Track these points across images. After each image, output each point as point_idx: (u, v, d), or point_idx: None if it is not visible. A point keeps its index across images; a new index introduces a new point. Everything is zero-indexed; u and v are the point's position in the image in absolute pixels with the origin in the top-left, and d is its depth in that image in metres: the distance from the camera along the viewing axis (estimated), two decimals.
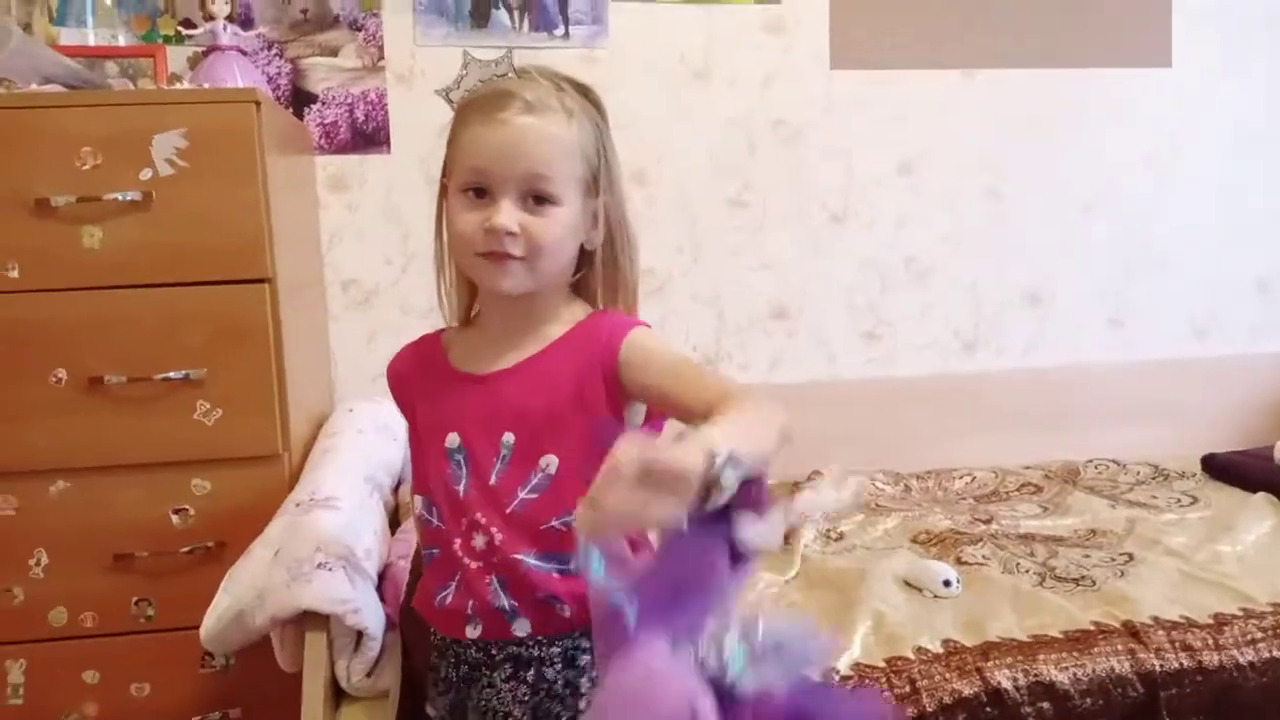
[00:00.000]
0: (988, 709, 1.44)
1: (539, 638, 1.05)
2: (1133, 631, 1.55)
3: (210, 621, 1.43)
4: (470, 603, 1.05)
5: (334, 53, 2.20)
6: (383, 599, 1.51)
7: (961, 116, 2.48)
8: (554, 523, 1.02)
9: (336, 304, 2.27)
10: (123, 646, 1.70)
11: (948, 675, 1.46)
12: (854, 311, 2.50)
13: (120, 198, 1.59)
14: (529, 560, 1.03)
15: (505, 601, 1.04)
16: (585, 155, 1.04)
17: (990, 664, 1.48)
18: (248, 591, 1.41)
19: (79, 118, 1.59)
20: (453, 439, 1.06)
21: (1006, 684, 1.46)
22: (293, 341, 1.76)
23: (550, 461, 1.02)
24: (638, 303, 1.13)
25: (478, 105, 1.03)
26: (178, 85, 1.77)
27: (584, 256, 1.09)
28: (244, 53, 2.01)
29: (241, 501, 1.69)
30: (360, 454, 1.80)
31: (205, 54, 1.98)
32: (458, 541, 1.04)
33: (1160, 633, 1.54)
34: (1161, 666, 1.50)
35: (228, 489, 1.70)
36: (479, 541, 1.04)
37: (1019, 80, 2.48)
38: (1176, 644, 1.53)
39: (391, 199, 2.26)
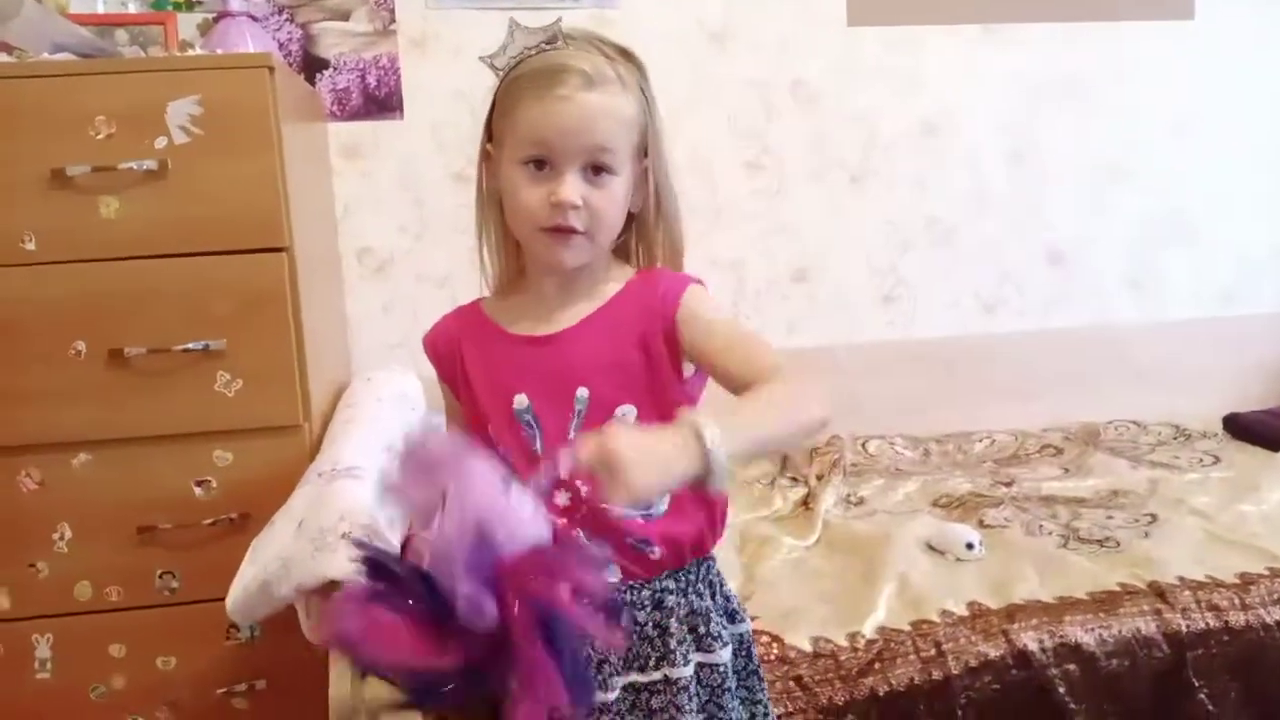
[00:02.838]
0: (1014, 671, 1.45)
1: (629, 584, 1.08)
2: (1158, 592, 1.55)
3: (236, 592, 1.43)
4: None
5: (345, 17, 2.17)
6: None
7: (981, 73, 2.45)
8: None
9: (352, 273, 2.26)
10: (148, 619, 1.71)
11: (973, 638, 1.47)
12: (874, 274, 2.48)
13: (136, 167, 1.57)
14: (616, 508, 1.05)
15: (596, 551, 1.06)
16: (638, 124, 1.07)
17: (1016, 626, 1.48)
18: (273, 562, 1.41)
19: (92, 86, 1.57)
20: (520, 400, 1.08)
21: (1032, 646, 1.46)
22: (311, 311, 1.75)
23: (628, 411, 1.05)
24: (684, 260, 1.15)
25: (534, 79, 1.03)
26: (189, 52, 1.75)
27: (628, 219, 1.11)
28: (254, 18, 1.99)
29: (263, 472, 1.68)
30: (380, 423, 1.79)
31: (215, 20, 1.96)
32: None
33: (1186, 593, 1.54)
34: (1188, 627, 1.50)
35: (249, 460, 1.69)
36: (561, 498, 1.05)
37: (1038, 35, 2.45)
38: (1203, 604, 1.52)
39: (405, 166, 2.24)
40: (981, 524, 1.84)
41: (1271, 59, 2.56)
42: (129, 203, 1.60)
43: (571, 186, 1.02)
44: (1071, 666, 1.46)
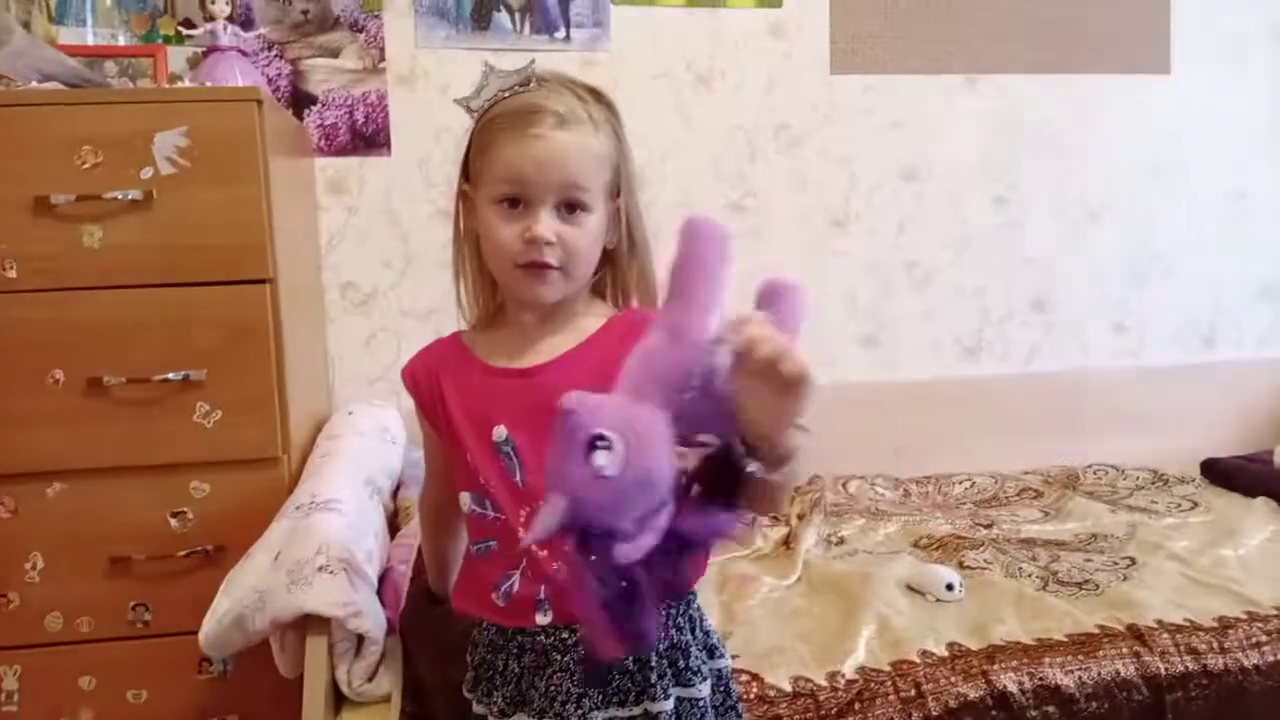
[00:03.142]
0: (993, 713, 1.44)
1: None
2: (1137, 635, 1.54)
3: (209, 625, 1.41)
4: (541, 587, 1.07)
5: (335, 54, 2.19)
6: (382, 603, 1.50)
7: (963, 122, 2.48)
8: None
9: (335, 307, 2.26)
10: (119, 652, 1.69)
11: (953, 679, 1.46)
12: (855, 316, 2.49)
13: (120, 197, 1.58)
14: None
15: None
16: (611, 162, 1.09)
17: (995, 667, 1.47)
18: (248, 594, 1.39)
19: (80, 116, 1.58)
20: (499, 432, 1.08)
21: (1012, 687, 1.45)
22: (293, 344, 1.75)
23: None
24: (657, 296, 1.15)
25: (509, 119, 1.06)
26: (178, 85, 1.76)
27: (604, 256, 1.13)
28: (244, 53, 2.01)
29: (241, 505, 1.67)
30: (360, 457, 1.79)
31: (205, 54, 1.98)
32: (521, 531, 1.06)
33: (1165, 636, 1.54)
34: (1167, 670, 1.49)
35: (227, 492, 1.68)
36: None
37: (1020, 86, 2.50)
38: (1181, 647, 1.52)
39: (391, 202, 2.25)
40: (962, 565, 1.84)
41: (1247, 109, 2.61)
42: (113, 232, 1.60)
43: (546, 223, 1.04)
44: (1051, 708, 1.45)
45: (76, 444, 1.63)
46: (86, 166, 1.59)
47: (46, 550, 1.65)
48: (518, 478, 1.08)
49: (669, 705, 1.07)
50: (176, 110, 1.60)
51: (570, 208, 1.06)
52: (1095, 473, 2.42)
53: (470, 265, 1.15)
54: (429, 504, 1.31)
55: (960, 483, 2.37)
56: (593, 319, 1.12)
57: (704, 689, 1.10)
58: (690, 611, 1.14)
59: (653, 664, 1.08)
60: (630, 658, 1.08)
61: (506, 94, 1.07)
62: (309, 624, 1.37)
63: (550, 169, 1.04)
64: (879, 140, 2.45)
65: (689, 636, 1.12)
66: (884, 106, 2.44)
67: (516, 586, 1.08)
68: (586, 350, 1.09)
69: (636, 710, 1.08)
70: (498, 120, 1.07)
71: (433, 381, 1.16)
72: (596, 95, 1.11)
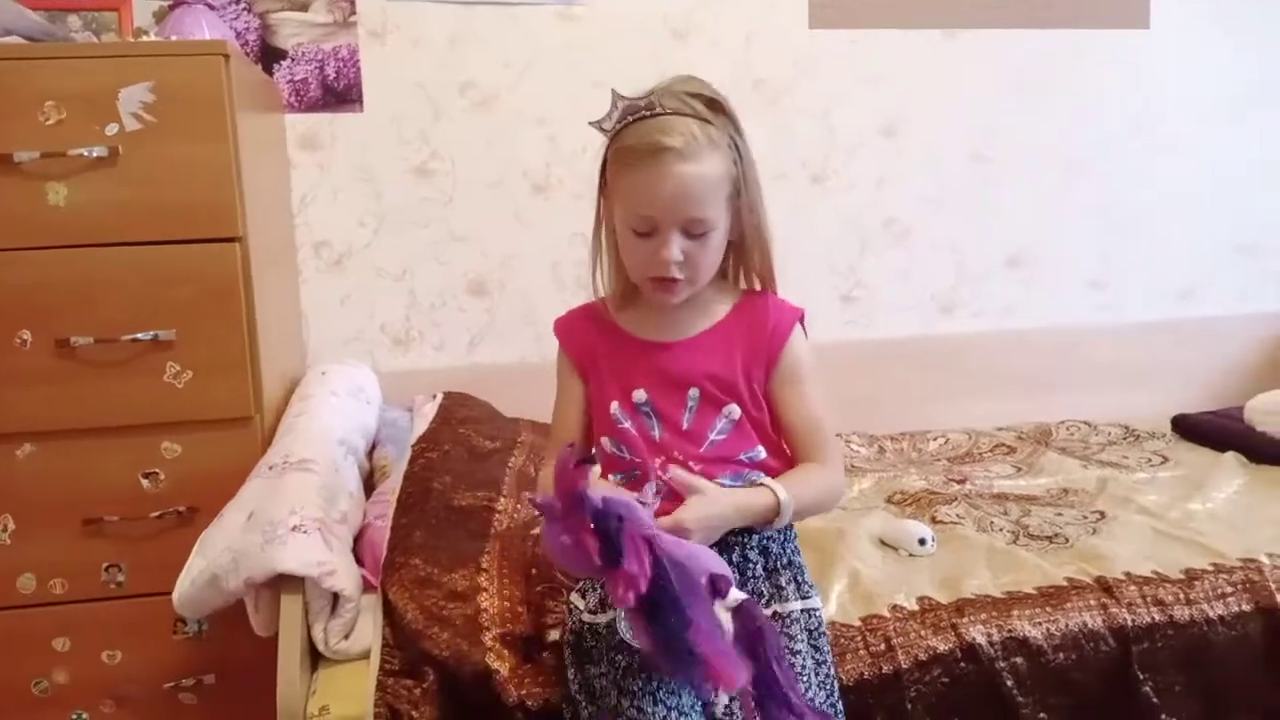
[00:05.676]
0: (962, 664, 1.45)
1: (742, 533, 1.25)
2: (1105, 587, 1.56)
3: (183, 585, 1.42)
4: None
5: (304, 8, 2.15)
6: (359, 561, 1.51)
7: (943, 76, 2.47)
8: (741, 456, 1.25)
9: (308, 266, 2.24)
10: (93, 613, 1.69)
11: (923, 632, 1.47)
12: (832, 273, 2.49)
13: (86, 154, 1.56)
14: (724, 481, 1.23)
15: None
16: (730, 176, 1.20)
17: (965, 620, 1.49)
18: (221, 554, 1.39)
19: (42, 71, 1.55)
20: (639, 395, 1.26)
21: (981, 639, 1.47)
22: (264, 303, 1.73)
23: (733, 410, 1.25)
24: (775, 275, 1.32)
25: (636, 154, 1.17)
26: (144, 39, 1.73)
27: (727, 245, 1.27)
28: (211, 6, 1.97)
29: (213, 465, 1.67)
30: (334, 417, 1.78)
31: (171, 8, 1.93)
32: (655, 473, 1.22)
33: (1132, 588, 1.56)
34: (1133, 621, 1.51)
35: (199, 452, 1.68)
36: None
37: (1000, 40, 2.48)
38: (1148, 598, 1.54)
39: (364, 158, 2.22)
40: (934, 520, 1.86)
41: (1226, 65, 2.60)
42: (78, 190, 1.58)
43: (673, 247, 1.18)
44: (1019, 660, 1.47)
45: (46, 405, 1.61)
46: (50, 123, 1.56)
47: (17, 512, 1.64)
48: (656, 433, 1.25)
49: (798, 606, 1.25)
50: (142, 65, 1.58)
51: (695, 228, 1.18)
52: (1068, 429, 2.44)
53: (608, 249, 1.29)
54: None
55: (935, 439, 2.39)
56: (721, 304, 1.29)
57: (819, 600, 1.29)
58: (794, 540, 1.31)
59: (780, 570, 1.26)
60: (760, 564, 1.25)
61: (633, 118, 1.18)
62: (283, 583, 1.38)
63: (675, 204, 1.16)
64: (859, 95, 2.44)
65: (800, 558, 1.30)
66: (864, 61, 2.42)
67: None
68: (715, 334, 1.27)
69: (767, 613, 1.21)
70: (626, 153, 1.18)
71: (588, 338, 1.32)
72: (714, 106, 1.20)
